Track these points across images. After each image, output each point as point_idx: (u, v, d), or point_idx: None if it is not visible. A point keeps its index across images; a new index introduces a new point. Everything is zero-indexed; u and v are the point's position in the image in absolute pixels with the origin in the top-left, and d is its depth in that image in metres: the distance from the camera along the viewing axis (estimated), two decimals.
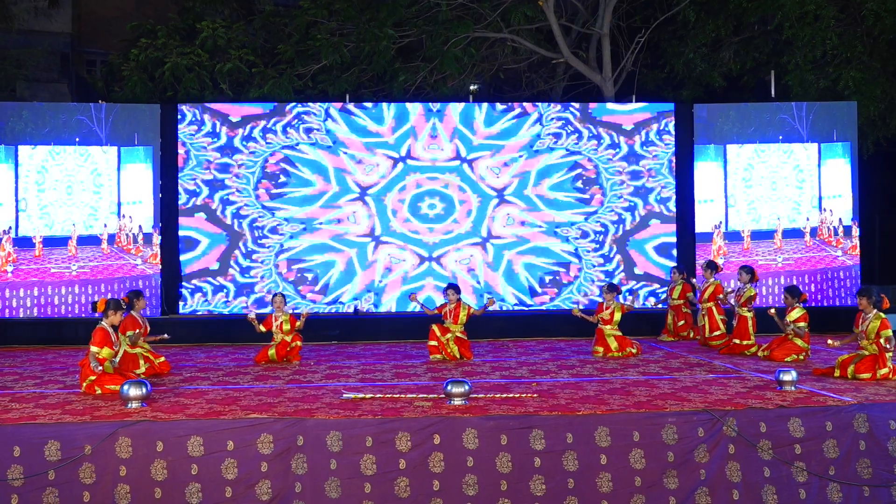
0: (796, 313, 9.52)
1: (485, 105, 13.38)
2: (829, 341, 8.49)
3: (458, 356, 9.92)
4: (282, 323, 9.72)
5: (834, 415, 6.65)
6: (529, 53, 16.02)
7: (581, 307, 10.64)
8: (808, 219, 13.34)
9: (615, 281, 12.92)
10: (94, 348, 7.66)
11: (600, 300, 10.57)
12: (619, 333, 10.21)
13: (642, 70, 16.72)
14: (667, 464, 6.39)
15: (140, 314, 9.21)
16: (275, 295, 9.99)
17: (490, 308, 10.38)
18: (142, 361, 8.77)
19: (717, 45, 15.94)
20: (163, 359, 9.02)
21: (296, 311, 10.47)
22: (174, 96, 14.55)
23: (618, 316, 10.21)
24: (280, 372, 9.00)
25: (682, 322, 11.86)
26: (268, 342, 9.84)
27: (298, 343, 9.82)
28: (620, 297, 10.88)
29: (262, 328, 9.74)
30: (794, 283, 12.91)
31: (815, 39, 14.45)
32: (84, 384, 7.65)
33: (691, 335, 11.77)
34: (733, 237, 13.29)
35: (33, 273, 12.42)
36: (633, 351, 10.13)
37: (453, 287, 10.23)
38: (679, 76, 16.26)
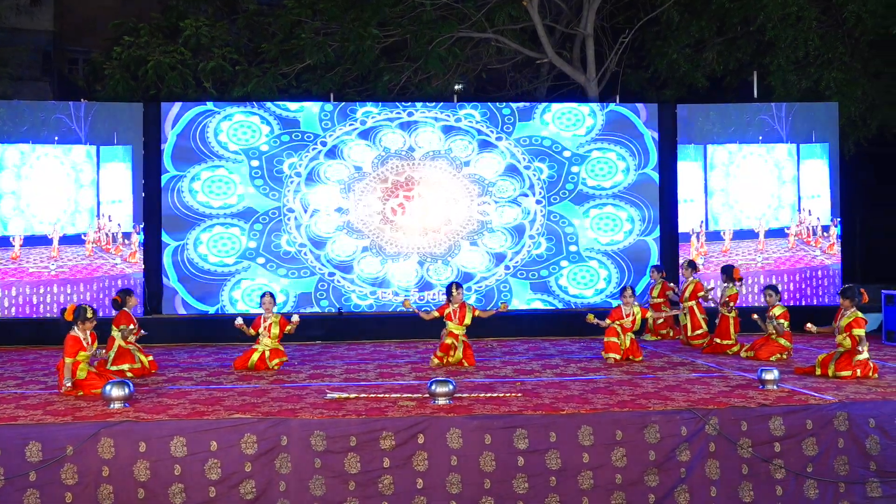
0: (777, 310, 9.62)
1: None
2: (808, 325, 8.45)
3: (461, 362, 9.17)
4: (271, 325, 9.08)
5: (814, 413, 6.71)
6: (514, 53, 16.05)
7: (594, 314, 9.78)
8: (791, 218, 13.44)
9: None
10: (67, 360, 7.49)
11: (617, 304, 9.92)
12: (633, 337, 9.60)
13: (626, 70, 16.78)
14: (648, 462, 6.44)
15: (132, 311, 9.21)
16: (263, 294, 9.35)
17: (502, 311, 9.65)
18: (138, 354, 8.77)
19: (700, 46, 16.03)
20: (151, 357, 9.00)
21: (286, 314, 9.37)
22: (157, 95, 14.47)
23: (639, 322, 9.58)
24: (263, 372, 8.96)
25: (660, 320, 11.93)
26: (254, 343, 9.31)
27: (279, 346, 9.22)
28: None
29: (252, 331, 9.13)
30: (774, 282, 13.03)
31: (797, 40, 14.58)
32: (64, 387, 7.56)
33: (671, 334, 11.85)
34: (713, 237, 13.38)
35: (11, 273, 12.30)
36: (638, 359, 9.50)
37: (457, 285, 9.30)
38: (662, 76, 16.35)
